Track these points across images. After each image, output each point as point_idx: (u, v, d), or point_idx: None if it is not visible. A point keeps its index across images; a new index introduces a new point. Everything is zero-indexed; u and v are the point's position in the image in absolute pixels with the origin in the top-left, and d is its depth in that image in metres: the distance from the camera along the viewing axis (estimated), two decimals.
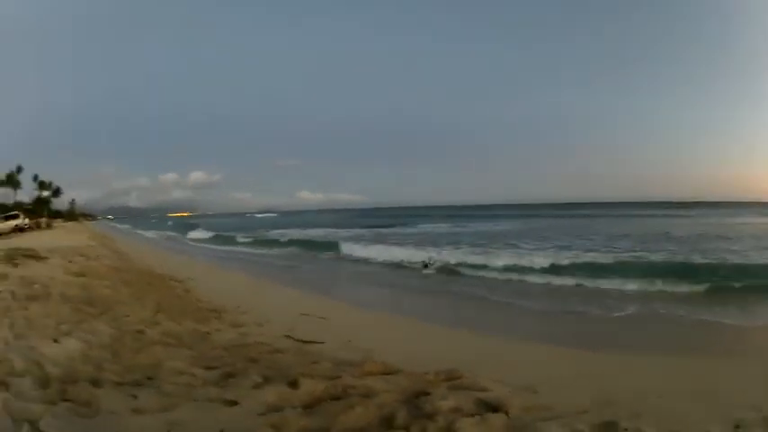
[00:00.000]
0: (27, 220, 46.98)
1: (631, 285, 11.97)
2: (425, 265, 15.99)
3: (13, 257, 13.08)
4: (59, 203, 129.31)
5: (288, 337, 7.08)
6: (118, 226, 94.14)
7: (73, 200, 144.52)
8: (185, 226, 69.57)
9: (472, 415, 3.46)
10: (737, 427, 3.51)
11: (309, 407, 3.78)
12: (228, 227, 60.96)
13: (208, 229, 55.18)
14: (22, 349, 4.94)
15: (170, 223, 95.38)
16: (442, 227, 50.83)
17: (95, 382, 4.26)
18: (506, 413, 3.50)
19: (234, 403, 3.94)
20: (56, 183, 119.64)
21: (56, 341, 5.48)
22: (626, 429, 3.17)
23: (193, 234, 51.14)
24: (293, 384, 4.25)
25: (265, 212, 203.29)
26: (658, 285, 11.70)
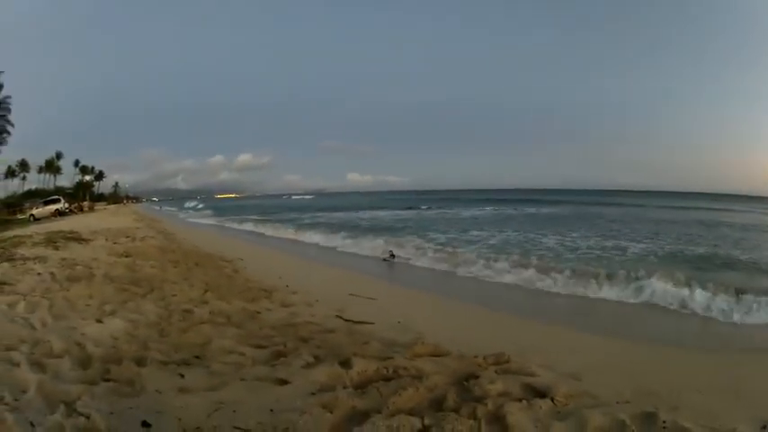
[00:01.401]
0: (67, 205, 49.85)
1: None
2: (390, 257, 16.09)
3: (53, 240, 13.97)
4: (103, 187, 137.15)
5: (338, 317, 7.31)
6: (155, 207, 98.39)
7: (116, 183, 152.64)
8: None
9: (519, 399, 3.64)
10: (764, 427, 3.69)
11: (361, 387, 3.97)
12: (247, 209, 67.53)
13: (217, 210, 63.65)
14: (62, 330, 5.34)
15: (194, 204, 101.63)
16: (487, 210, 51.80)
17: (140, 362, 4.53)
18: (552, 399, 3.68)
19: (284, 382, 4.11)
20: (100, 167, 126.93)
21: (99, 321, 5.87)
22: (664, 422, 3.31)
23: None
24: (345, 364, 4.44)
25: (306, 194, 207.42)
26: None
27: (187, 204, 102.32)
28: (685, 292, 8.95)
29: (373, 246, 18.35)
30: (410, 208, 59.14)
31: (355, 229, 27.03)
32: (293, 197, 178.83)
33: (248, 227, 32.46)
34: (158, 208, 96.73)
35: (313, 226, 30.43)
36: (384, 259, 15.82)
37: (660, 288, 9.26)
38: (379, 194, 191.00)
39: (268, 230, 29.29)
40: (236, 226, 33.34)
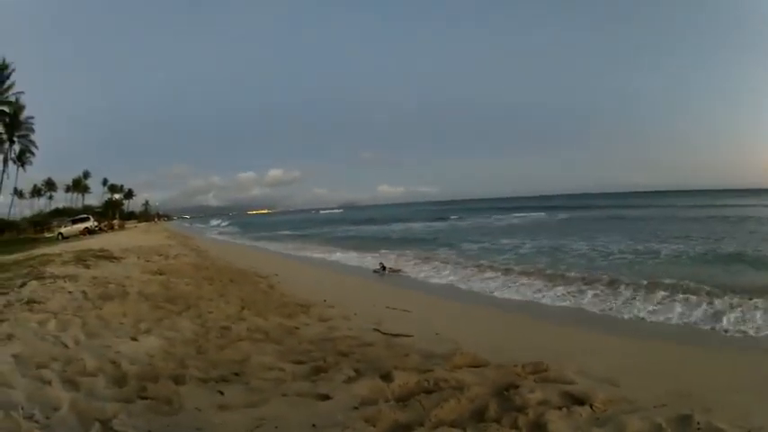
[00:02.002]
0: (96, 223, 51.43)
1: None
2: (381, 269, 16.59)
3: (83, 258, 14.32)
4: (133, 205, 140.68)
5: (376, 330, 7.42)
6: (186, 225, 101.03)
7: (146, 201, 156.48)
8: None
9: (559, 408, 3.75)
10: None
11: (402, 400, 4.07)
12: (270, 225, 73.53)
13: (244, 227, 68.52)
14: (96, 348, 5.41)
15: (218, 222, 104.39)
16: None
17: (178, 379, 4.57)
18: (591, 406, 3.79)
19: (326, 397, 4.17)
20: (129, 185, 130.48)
21: (134, 339, 5.94)
22: (698, 423, 3.40)
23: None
24: (386, 378, 4.55)
25: (335, 209, 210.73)
26: None
27: (213, 222, 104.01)
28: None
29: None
30: (440, 219, 61.00)
31: (387, 241, 28.23)
32: (321, 212, 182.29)
33: (279, 246, 32.63)
34: (188, 225, 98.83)
35: (345, 240, 31.62)
36: (374, 271, 16.46)
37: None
38: (411, 206, 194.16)
39: (300, 247, 29.52)
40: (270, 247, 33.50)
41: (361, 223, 63.38)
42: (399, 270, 16.38)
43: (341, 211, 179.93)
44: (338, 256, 22.66)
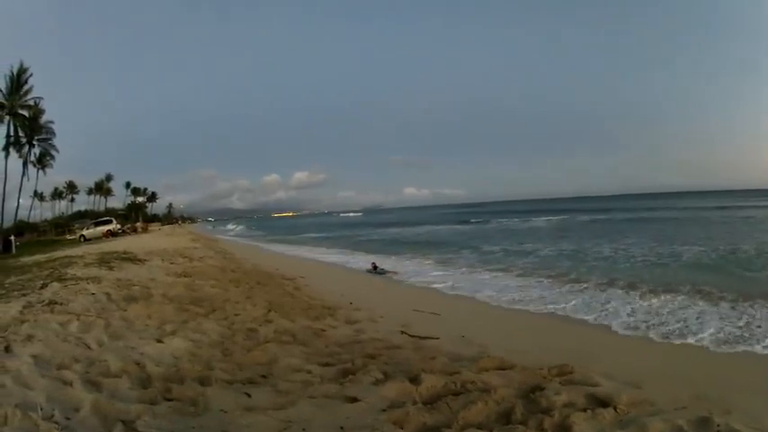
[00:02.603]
0: (119, 226, 52.34)
1: None
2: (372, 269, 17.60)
3: (107, 261, 14.52)
4: (157, 208, 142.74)
5: (403, 332, 7.51)
6: (209, 228, 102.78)
7: (170, 203, 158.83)
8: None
9: (584, 410, 3.83)
10: None
11: (430, 402, 4.13)
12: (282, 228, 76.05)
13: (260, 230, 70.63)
14: (119, 349, 5.43)
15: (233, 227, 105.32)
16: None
17: (204, 381, 4.58)
18: (615, 408, 3.86)
19: (354, 400, 4.21)
20: (155, 188, 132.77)
21: (159, 341, 5.96)
22: (718, 425, 3.46)
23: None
24: (414, 380, 4.63)
25: (355, 212, 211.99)
26: None
27: (229, 226, 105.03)
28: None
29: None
30: (465, 222, 62.51)
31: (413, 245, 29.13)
32: (341, 215, 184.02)
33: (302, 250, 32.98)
34: (211, 228, 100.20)
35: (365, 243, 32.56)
36: (368, 270, 17.48)
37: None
38: (435, 209, 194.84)
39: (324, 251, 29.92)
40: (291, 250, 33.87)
41: (380, 226, 64.85)
42: (395, 272, 16.94)
43: (360, 214, 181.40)
44: (359, 258, 23.02)
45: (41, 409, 3.35)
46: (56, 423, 3.18)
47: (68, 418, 3.32)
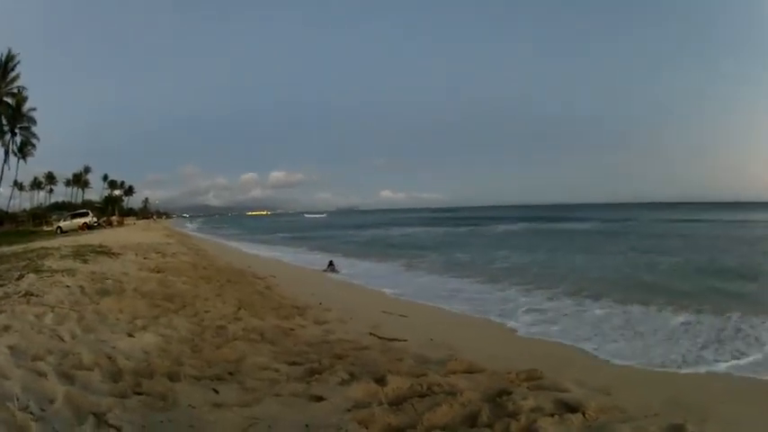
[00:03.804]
0: (95, 219, 51.63)
1: None
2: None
3: (82, 253, 14.38)
4: (133, 202, 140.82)
5: (372, 334, 7.54)
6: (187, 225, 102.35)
7: (146, 198, 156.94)
8: None
9: (552, 415, 3.85)
10: None
11: (396, 404, 4.16)
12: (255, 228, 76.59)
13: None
14: (92, 343, 5.46)
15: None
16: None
17: (173, 377, 4.63)
18: (584, 414, 3.88)
19: (320, 399, 4.26)
20: (133, 181, 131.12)
21: (130, 335, 5.99)
22: None
23: None
24: (380, 381, 4.66)
25: (319, 214, 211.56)
26: None
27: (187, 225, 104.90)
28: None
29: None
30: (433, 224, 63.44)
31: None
32: (306, 216, 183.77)
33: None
34: (190, 225, 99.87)
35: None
36: (324, 270, 17.60)
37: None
38: (412, 212, 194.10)
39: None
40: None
41: (337, 228, 66.13)
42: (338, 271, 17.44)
43: (324, 215, 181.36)
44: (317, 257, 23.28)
45: (17, 400, 3.39)
46: (31, 414, 3.22)
47: (43, 410, 3.37)
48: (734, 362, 6.67)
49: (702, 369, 6.35)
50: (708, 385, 5.67)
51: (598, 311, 10.15)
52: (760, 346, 7.36)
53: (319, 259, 21.49)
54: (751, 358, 6.80)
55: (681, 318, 9.25)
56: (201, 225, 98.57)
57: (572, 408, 4.01)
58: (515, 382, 4.83)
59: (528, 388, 4.64)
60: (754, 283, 13.52)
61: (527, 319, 9.67)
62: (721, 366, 6.46)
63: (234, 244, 36.45)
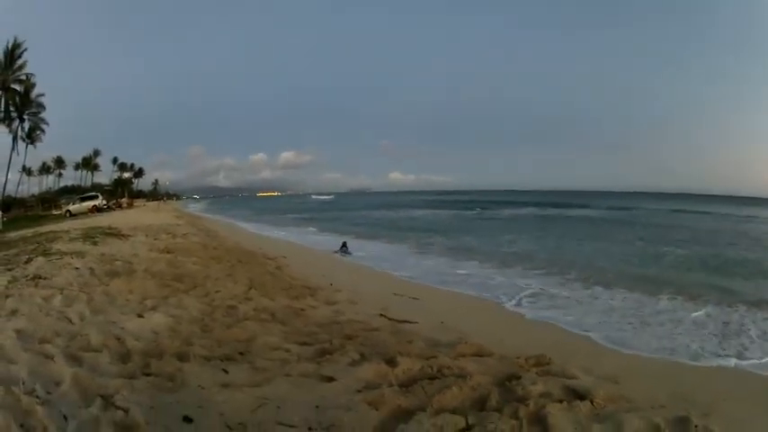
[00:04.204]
0: (105, 201, 51.81)
1: None
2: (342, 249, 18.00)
3: (91, 236, 14.42)
4: (143, 184, 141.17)
5: (382, 315, 7.48)
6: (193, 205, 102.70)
7: (156, 180, 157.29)
8: None
9: (560, 401, 3.80)
10: None
11: (406, 385, 4.13)
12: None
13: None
14: (101, 324, 5.42)
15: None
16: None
17: (182, 357, 4.57)
18: (591, 401, 3.82)
19: (330, 379, 4.22)
20: (141, 163, 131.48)
21: (140, 316, 5.96)
22: (696, 426, 3.46)
23: None
24: (391, 362, 4.63)
25: (325, 195, 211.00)
26: None
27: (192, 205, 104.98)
28: None
29: None
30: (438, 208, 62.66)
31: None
32: (313, 197, 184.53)
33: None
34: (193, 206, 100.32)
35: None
36: (335, 252, 17.58)
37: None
38: (422, 194, 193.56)
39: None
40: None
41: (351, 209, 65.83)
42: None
43: (332, 197, 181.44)
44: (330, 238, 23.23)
45: (23, 384, 3.33)
46: (37, 397, 3.15)
47: (49, 393, 3.30)
48: (741, 358, 6.61)
49: (710, 362, 6.34)
50: (715, 379, 5.66)
51: (606, 299, 10.09)
52: (766, 342, 7.31)
53: (329, 240, 21.51)
54: (758, 354, 6.73)
55: (690, 310, 9.14)
56: (207, 206, 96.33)
57: (580, 395, 3.98)
58: (524, 367, 4.80)
59: (537, 373, 4.60)
60: (761, 277, 13.38)
61: (536, 304, 9.63)
62: (729, 361, 6.43)
63: (243, 225, 36.39)
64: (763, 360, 6.52)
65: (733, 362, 6.43)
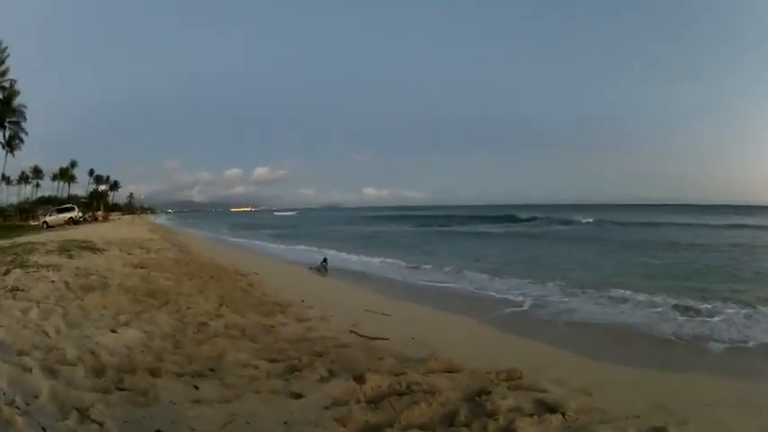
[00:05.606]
0: (81, 213, 51.22)
1: None
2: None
3: (67, 249, 14.26)
4: (118, 197, 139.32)
5: (353, 332, 7.54)
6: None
7: (131, 193, 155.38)
8: None
9: (531, 415, 3.82)
10: None
11: (374, 402, 4.13)
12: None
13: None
14: (76, 338, 5.43)
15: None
16: None
17: (155, 372, 4.62)
18: (563, 414, 3.83)
19: (299, 396, 4.25)
20: (118, 177, 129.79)
21: (113, 331, 5.96)
22: None
23: None
24: (359, 379, 4.61)
25: (289, 211, 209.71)
26: None
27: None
28: None
29: None
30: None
31: None
32: (275, 213, 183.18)
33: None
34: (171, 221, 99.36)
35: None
36: (310, 268, 17.37)
37: None
38: (395, 209, 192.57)
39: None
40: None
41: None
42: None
43: (295, 213, 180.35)
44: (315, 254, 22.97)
45: (4, 394, 3.38)
46: (17, 408, 3.21)
47: (28, 404, 3.35)
48: (719, 365, 6.73)
49: (687, 372, 6.33)
50: (692, 386, 5.65)
51: (580, 311, 10.31)
52: (745, 351, 7.44)
53: (303, 256, 21.53)
54: (737, 363, 6.88)
55: (668, 320, 9.35)
56: (182, 219, 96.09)
57: (551, 408, 3.99)
58: (495, 382, 4.80)
59: (507, 388, 4.60)
60: (746, 284, 13.81)
61: (509, 318, 9.76)
62: (706, 369, 6.45)
63: (216, 238, 36.21)
64: (741, 369, 6.55)
65: (711, 370, 6.44)
